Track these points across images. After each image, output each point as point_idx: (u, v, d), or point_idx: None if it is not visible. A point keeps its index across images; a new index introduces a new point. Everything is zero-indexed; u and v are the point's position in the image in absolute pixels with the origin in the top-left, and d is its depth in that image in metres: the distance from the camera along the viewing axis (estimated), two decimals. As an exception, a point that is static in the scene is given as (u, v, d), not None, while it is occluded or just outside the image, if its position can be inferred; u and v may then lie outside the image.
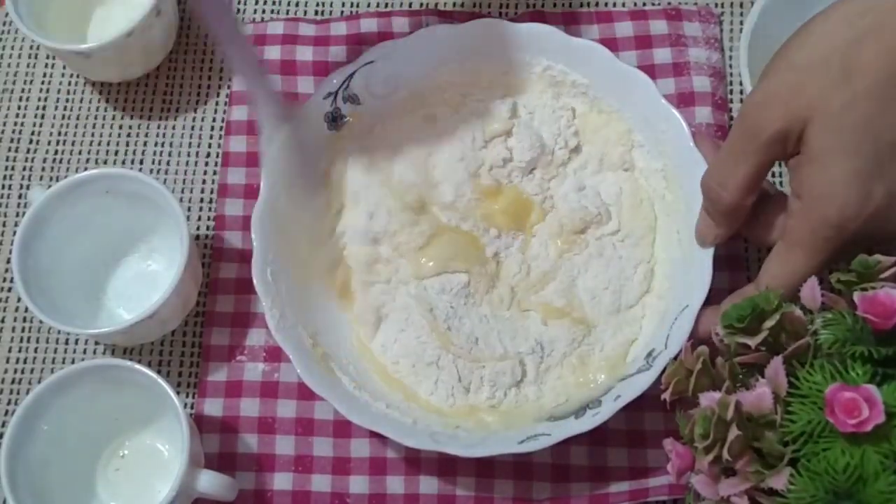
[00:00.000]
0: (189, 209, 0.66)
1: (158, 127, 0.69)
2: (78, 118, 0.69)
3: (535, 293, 0.62)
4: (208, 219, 0.66)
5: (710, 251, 0.56)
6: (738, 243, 0.63)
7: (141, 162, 0.68)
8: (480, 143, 0.64)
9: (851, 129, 0.46)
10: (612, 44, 0.66)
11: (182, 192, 0.67)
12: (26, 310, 0.64)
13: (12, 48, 0.71)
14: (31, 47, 0.71)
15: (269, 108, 0.57)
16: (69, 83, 0.71)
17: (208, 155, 0.68)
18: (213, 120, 0.69)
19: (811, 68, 0.47)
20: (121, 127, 0.69)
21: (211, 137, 0.68)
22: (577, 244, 0.62)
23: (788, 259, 0.50)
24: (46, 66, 0.71)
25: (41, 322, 0.62)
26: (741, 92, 0.67)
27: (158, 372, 0.55)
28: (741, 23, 0.69)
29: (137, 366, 0.55)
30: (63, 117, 0.70)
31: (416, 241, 0.62)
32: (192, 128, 0.69)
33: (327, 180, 0.64)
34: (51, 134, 0.69)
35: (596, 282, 0.61)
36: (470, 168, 0.63)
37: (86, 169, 0.66)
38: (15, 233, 0.59)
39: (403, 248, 0.62)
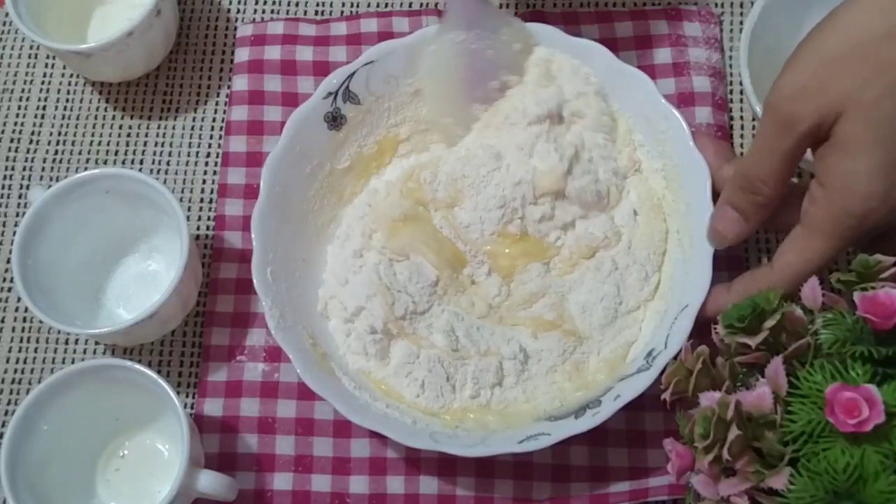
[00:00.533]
0: (189, 209, 0.66)
1: (158, 127, 0.69)
2: (78, 118, 0.70)
3: (522, 310, 0.60)
4: (208, 219, 0.66)
5: (711, 251, 0.56)
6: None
7: (141, 162, 0.68)
8: (530, 199, 0.61)
9: (883, 122, 0.46)
10: (612, 44, 0.66)
11: (182, 192, 0.67)
12: (26, 310, 0.64)
13: (12, 48, 0.72)
14: (31, 47, 0.71)
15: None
16: (69, 83, 0.71)
17: (208, 155, 0.68)
18: (213, 120, 0.69)
19: (844, 60, 0.47)
20: (121, 127, 0.69)
21: (211, 137, 0.68)
22: (577, 266, 0.61)
23: (806, 245, 0.50)
24: (46, 66, 0.71)
25: (41, 322, 0.62)
26: (741, 92, 0.67)
27: (158, 372, 0.55)
28: (741, 23, 0.69)
29: (137, 366, 0.55)
30: (63, 117, 0.70)
31: (395, 212, 0.61)
32: (192, 128, 0.69)
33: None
34: (51, 134, 0.69)
35: (590, 296, 0.60)
36: (505, 217, 0.61)
37: (86, 169, 0.66)
38: (15, 233, 0.59)
39: (381, 219, 0.61)
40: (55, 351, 0.63)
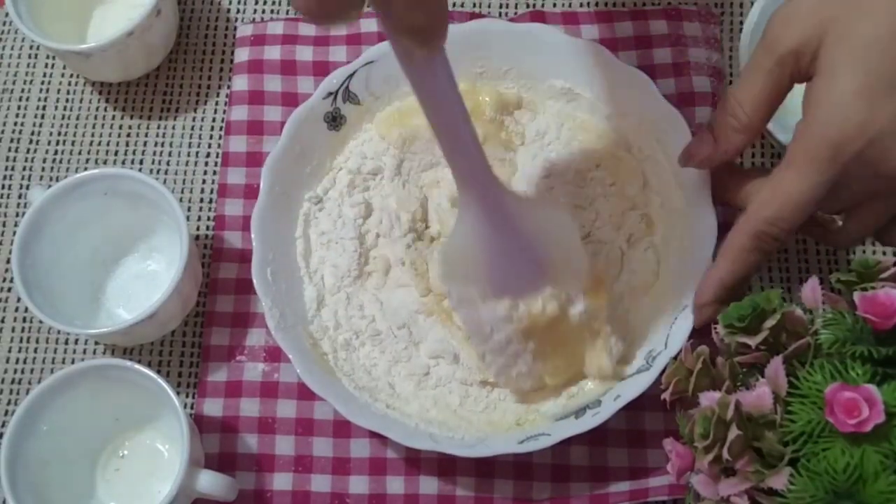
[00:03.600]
0: (189, 209, 0.66)
1: (158, 127, 0.69)
2: (78, 118, 0.70)
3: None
4: (208, 219, 0.66)
5: (711, 252, 0.56)
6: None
7: (141, 162, 0.68)
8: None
9: (865, 46, 0.45)
10: (612, 44, 0.66)
11: (182, 192, 0.67)
12: (26, 310, 0.64)
13: (12, 48, 0.71)
14: (31, 47, 0.71)
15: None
16: (69, 83, 0.71)
17: (208, 155, 0.68)
18: (213, 120, 0.69)
19: None
20: (121, 127, 0.69)
21: (211, 137, 0.68)
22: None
23: (780, 181, 0.48)
24: (46, 66, 0.71)
25: (41, 322, 0.62)
26: (741, 92, 0.67)
27: (158, 372, 0.55)
28: (741, 23, 0.69)
29: (137, 366, 0.55)
30: (63, 117, 0.70)
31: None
32: (192, 128, 0.69)
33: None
34: (51, 134, 0.69)
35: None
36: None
37: (86, 169, 0.66)
38: (15, 233, 0.59)
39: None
40: (55, 351, 0.63)
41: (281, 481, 0.59)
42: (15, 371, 0.63)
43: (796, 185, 0.47)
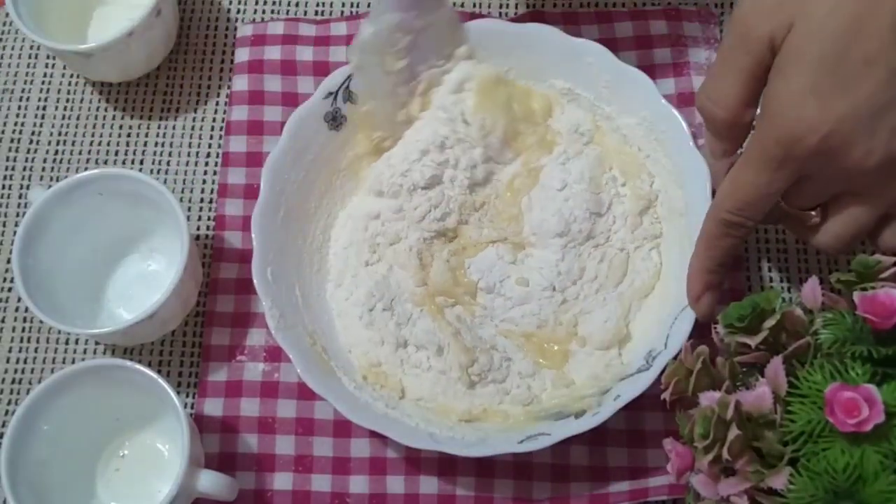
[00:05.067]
0: (189, 209, 0.66)
1: (158, 127, 0.69)
2: (78, 118, 0.70)
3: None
4: (208, 219, 0.66)
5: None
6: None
7: (141, 162, 0.68)
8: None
9: (826, 38, 0.44)
10: (612, 44, 0.66)
11: (182, 192, 0.67)
12: (26, 310, 0.64)
13: (12, 48, 0.72)
14: (31, 47, 0.71)
15: None
16: (69, 83, 0.71)
17: (208, 155, 0.68)
18: (213, 120, 0.69)
19: None
20: (121, 127, 0.69)
21: (211, 137, 0.68)
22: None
23: (737, 175, 0.49)
24: (46, 66, 0.71)
25: (41, 322, 0.62)
26: (741, 92, 0.67)
27: (158, 372, 0.55)
28: (741, 23, 0.69)
29: (137, 366, 0.55)
30: (63, 117, 0.70)
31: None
32: (192, 128, 0.69)
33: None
34: (51, 134, 0.69)
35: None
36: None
37: (86, 169, 0.66)
38: (15, 233, 0.59)
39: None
40: (55, 351, 0.63)
41: (281, 481, 0.59)
42: (15, 371, 0.63)
43: (752, 180, 0.48)
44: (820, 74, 0.44)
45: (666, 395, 0.47)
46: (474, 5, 0.71)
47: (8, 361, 0.63)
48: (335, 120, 0.63)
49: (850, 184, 0.47)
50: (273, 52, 0.69)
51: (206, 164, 0.68)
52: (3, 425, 0.61)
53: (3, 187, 0.68)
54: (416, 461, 0.59)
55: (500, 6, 0.71)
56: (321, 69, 0.67)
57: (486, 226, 0.62)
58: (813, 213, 0.51)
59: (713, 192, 0.57)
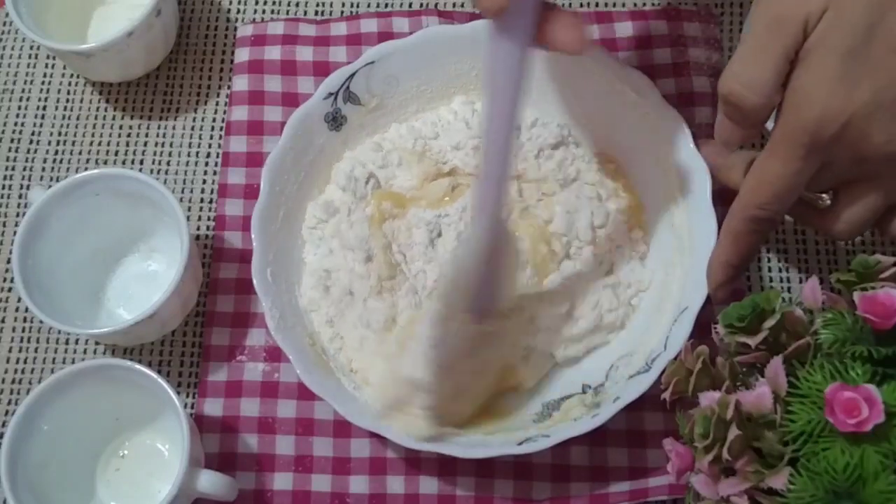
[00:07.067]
0: (189, 209, 0.66)
1: (158, 127, 0.69)
2: (78, 118, 0.70)
3: None
4: (208, 219, 0.66)
5: (710, 254, 0.56)
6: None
7: (141, 162, 0.68)
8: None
9: (855, 25, 0.43)
10: (612, 44, 0.66)
11: (182, 192, 0.67)
12: (26, 310, 0.64)
13: (12, 48, 0.72)
14: (31, 47, 0.71)
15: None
16: (69, 83, 0.71)
17: (208, 155, 0.68)
18: (213, 120, 0.69)
19: None
20: (121, 127, 0.69)
21: (211, 137, 0.68)
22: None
23: (764, 168, 0.48)
24: (46, 66, 0.71)
25: (41, 322, 0.62)
26: (741, 92, 0.67)
27: (158, 372, 0.55)
28: (741, 23, 0.69)
29: (137, 366, 0.55)
30: (63, 117, 0.70)
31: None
32: (192, 128, 0.69)
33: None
34: (51, 134, 0.69)
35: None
36: None
37: (86, 169, 0.66)
38: (15, 233, 0.59)
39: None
40: (55, 351, 0.63)
41: (281, 481, 0.59)
42: (15, 371, 0.63)
43: (780, 171, 0.47)
44: (847, 62, 0.44)
45: (666, 395, 0.47)
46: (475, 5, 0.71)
47: (8, 361, 0.63)
48: (335, 120, 0.63)
49: (866, 170, 0.48)
50: (273, 52, 0.69)
51: (206, 164, 0.68)
52: (3, 425, 0.61)
53: (3, 187, 0.68)
54: (416, 461, 0.59)
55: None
56: (321, 69, 0.67)
57: None
58: (825, 195, 0.51)
59: (714, 192, 0.57)
